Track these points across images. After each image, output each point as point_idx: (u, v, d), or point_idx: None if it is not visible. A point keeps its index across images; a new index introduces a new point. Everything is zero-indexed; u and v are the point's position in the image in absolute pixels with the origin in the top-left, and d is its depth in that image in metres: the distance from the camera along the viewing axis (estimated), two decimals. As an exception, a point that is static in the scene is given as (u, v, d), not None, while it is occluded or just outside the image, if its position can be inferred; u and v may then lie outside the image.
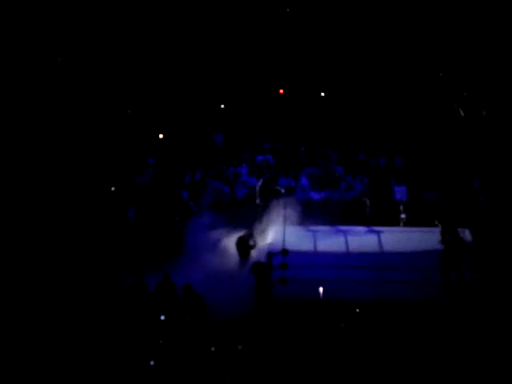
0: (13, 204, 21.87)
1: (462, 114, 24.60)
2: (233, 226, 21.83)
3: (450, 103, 25.34)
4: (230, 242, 21.38)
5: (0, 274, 18.82)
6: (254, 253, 20.44)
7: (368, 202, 22.51)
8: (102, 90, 25.76)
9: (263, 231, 21.70)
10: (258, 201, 22.34)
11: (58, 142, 24.18)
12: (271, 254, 18.85)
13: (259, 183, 22.57)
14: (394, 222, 22.38)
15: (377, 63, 26.33)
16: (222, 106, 26.74)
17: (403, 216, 22.40)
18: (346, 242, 20.92)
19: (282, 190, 22.53)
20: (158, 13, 26.23)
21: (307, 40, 26.34)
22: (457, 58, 25.67)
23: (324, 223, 22.03)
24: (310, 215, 22.08)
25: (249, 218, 22.26)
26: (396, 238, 21.03)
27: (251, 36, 26.38)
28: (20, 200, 22.08)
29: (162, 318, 17.08)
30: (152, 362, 16.03)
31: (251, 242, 20.60)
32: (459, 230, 19.28)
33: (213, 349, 16.43)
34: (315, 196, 23.37)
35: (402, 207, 22.47)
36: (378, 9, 26.02)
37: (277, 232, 20.94)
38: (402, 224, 22.27)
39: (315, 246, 20.70)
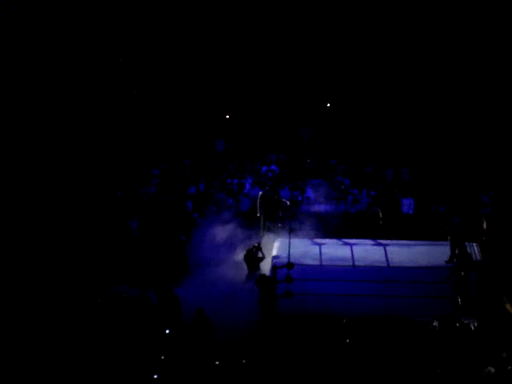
0: (14, 210, 21.72)
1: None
2: (237, 238, 21.74)
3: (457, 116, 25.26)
4: (235, 254, 21.26)
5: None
6: (262, 265, 20.27)
7: (381, 215, 22.34)
8: (107, 100, 25.70)
9: (267, 244, 21.58)
10: (258, 213, 22.17)
11: (62, 150, 24.11)
12: (276, 267, 18.64)
13: (259, 194, 22.44)
14: (402, 234, 22.25)
15: (385, 75, 26.23)
16: (227, 116, 26.62)
17: None
18: (352, 255, 20.74)
19: (287, 202, 22.39)
20: (164, 22, 26.20)
21: (314, 50, 26.25)
22: (462, 68, 25.61)
23: (330, 236, 21.91)
24: (315, 228, 21.97)
25: (253, 230, 22.16)
26: (403, 252, 20.85)
27: (258, 45, 26.30)
28: (23, 207, 21.94)
29: (167, 331, 16.85)
30: (155, 376, 15.84)
31: (259, 255, 20.46)
32: (467, 244, 19.12)
33: (217, 362, 16.21)
34: (321, 208, 23.21)
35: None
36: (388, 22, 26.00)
37: (282, 245, 20.77)
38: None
39: (321, 260, 20.52)
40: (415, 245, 21.41)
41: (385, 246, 21.27)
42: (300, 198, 23.67)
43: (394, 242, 21.62)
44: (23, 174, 22.93)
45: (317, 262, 20.40)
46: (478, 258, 19.84)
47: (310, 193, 23.70)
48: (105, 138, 25.15)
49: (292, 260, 18.44)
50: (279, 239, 21.53)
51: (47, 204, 22.28)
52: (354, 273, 19.89)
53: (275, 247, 21.13)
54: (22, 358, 16.12)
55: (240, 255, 20.98)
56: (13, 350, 16.31)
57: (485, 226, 21.00)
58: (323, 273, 19.75)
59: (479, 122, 25.07)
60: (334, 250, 21.12)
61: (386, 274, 19.81)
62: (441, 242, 20.64)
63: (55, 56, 24.85)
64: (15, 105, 23.93)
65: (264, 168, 25.05)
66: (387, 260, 20.58)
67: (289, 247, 18.92)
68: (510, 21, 25.00)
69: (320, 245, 21.42)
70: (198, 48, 26.47)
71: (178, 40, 26.41)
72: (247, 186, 24.37)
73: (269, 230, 22.32)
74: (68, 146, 24.35)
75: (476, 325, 17.39)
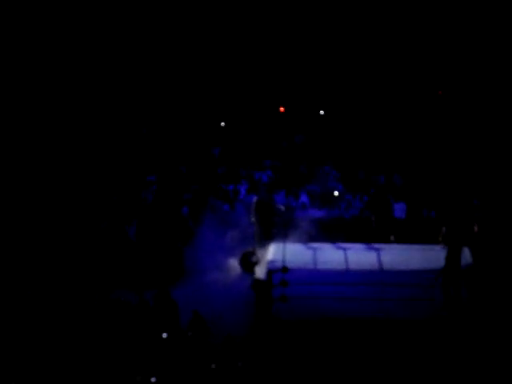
0: (10, 216, 21.89)
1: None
2: (233, 243, 21.97)
3: (449, 121, 25.51)
4: (230, 259, 21.48)
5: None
6: (257, 270, 20.50)
7: (373, 219, 22.60)
8: (104, 106, 25.88)
9: (262, 248, 21.80)
10: (252, 218, 22.44)
11: (57, 154, 24.26)
12: (271, 271, 18.87)
13: (254, 200, 22.65)
14: (394, 238, 22.48)
15: (376, 81, 26.49)
16: (222, 123, 26.83)
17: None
18: (347, 259, 20.94)
19: (282, 208, 22.62)
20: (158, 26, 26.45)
21: (308, 57, 26.50)
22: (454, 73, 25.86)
23: (324, 240, 22.12)
24: (309, 232, 22.18)
25: (249, 235, 22.38)
26: (396, 255, 21.06)
27: (253, 51, 26.52)
28: (19, 212, 22.10)
29: (164, 335, 17.04)
30: (153, 379, 16.01)
31: (254, 259, 20.71)
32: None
33: (213, 366, 16.41)
34: (315, 213, 23.44)
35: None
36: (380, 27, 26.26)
37: (277, 249, 20.96)
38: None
39: (316, 264, 20.73)
40: (407, 248, 21.60)
41: (378, 249, 21.47)
42: (294, 204, 23.92)
43: (387, 245, 21.86)
44: (19, 178, 23.07)
45: (311, 266, 20.57)
46: (469, 261, 20.10)
47: (305, 198, 23.95)
48: (102, 144, 25.33)
49: (287, 264, 18.71)
50: (274, 244, 21.68)
51: (44, 208, 22.43)
52: (347, 276, 20.11)
53: (270, 252, 21.25)
54: (19, 362, 16.28)
55: (235, 260, 21.23)
56: (10, 353, 16.48)
57: (476, 229, 21.24)
58: (318, 276, 19.93)
59: (469, 126, 25.34)
60: (329, 254, 21.23)
61: (379, 276, 20.05)
62: (432, 246, 20.85)
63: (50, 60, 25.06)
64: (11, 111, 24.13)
65: (259, 174, 25.26)
66: (380, 263, 20.81)
67: (284, 251, 19.20)
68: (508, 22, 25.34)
69: (314, 249, 21.53)
70: (192, 55, 26.68)
71: (172, 46, 26.60)
72: (242, 191, 24.59)
73: (264, 234, 22.51)
74: (64, 151, 24.51)
75: (465, 326, 17.66)
